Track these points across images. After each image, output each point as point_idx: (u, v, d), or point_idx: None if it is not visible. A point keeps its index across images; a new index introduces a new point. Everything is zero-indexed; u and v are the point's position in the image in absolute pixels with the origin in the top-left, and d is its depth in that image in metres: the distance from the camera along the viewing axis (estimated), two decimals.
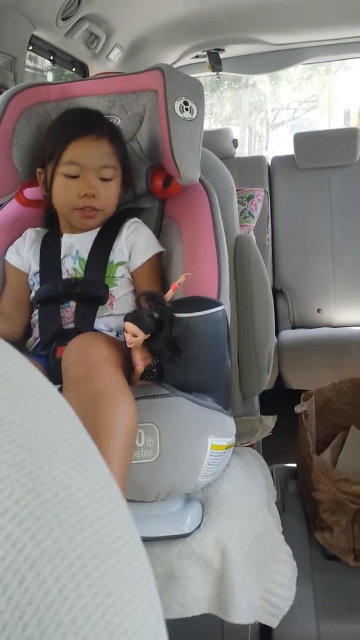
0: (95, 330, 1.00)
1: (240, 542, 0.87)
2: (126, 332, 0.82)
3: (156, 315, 0.81)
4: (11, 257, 1.12)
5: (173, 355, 0.82)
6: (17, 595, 0.20)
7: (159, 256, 1.09)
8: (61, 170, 1.03)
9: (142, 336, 0.81)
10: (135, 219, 1.10)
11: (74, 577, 0.21)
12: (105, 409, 0.75)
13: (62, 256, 1.07)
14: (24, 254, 1.10)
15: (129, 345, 0.83)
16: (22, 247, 1.11)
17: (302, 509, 1.16)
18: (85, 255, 1.05)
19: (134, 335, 0.81)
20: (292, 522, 1.10)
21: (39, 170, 1.08)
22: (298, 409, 1.19)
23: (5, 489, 0.21)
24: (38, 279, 1.07)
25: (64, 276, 1.05)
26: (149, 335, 0.81)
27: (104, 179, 1.04)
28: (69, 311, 1.02)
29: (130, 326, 0.81)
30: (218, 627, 0.90)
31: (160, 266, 1.09)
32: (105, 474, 0.25)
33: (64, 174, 1.03)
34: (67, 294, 1.02)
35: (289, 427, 1.23)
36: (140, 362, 0.85)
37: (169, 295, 0.85)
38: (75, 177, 1.03)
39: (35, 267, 1.09)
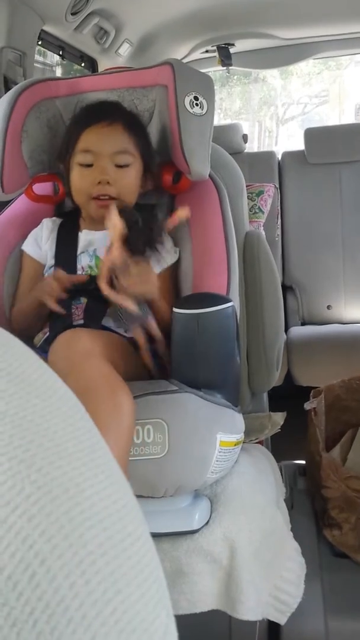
0: (103, 327, 1.00)
1: (248, 538, 0.87)
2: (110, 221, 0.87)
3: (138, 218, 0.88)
4: (29, 247, 1.10)
5: (149, 250, 0.88)
6: (27, 591, 0.20)
7: (176, 264, 1.07)
8: (76, 160, 1.03)
9: (119, 225, 0.86)
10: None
11: (85, 574, 0.21)
12: (96, 405, 0.73)
13: (78, 252, 1.06)
14: (43, 245, 1.10)
15: (110, 232, 0.88)
16: (41, 237, 1.10)
17: (311, 506, 1.16)
18: (102, 254, 1.05)
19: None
20: (300, 519, 1.10)
21: (61, 165, 1.08)
22: (307, 405, 1.18)
23: (15, 485, 0.21)
24: (52, 272, 1.06)
25: (79, 272, 1.05)
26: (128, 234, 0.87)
27: (119, 166, 1.02)
28: (79, 308, 1.02)
29: (114, 216, 0.87)
30: (226, 624, 0.90)
31: (173, 273, 1.07)
32: (115, 470, 0.25)
33: (79, 164, 1.03)
34: (80, 291, 1.02)
35: (298, 424, 1.23)
36: (117, 247, 0.87)
37: (169, 226, 0.91)
38: (89, 165, 1.02)
39: (51, 260, 1.08)
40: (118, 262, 0.87)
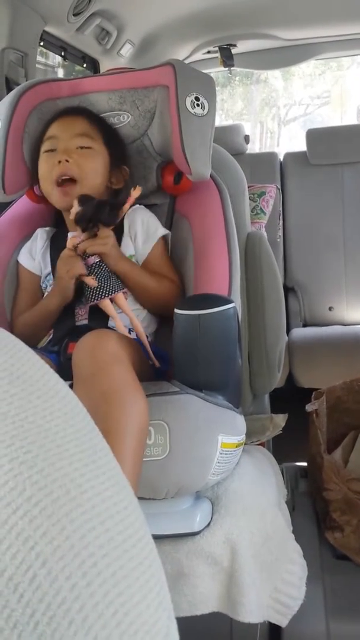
0: (108, 328, 1.00)
1: (250, 540, 0.87)
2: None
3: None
4: (24, 259, 1.12)
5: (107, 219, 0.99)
6: (28, 593, 0.20)
7: (165, 241, 1.08)
8: (43, 149, 1.06)
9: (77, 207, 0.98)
10: (135, 206, 1.07)
11: (86, 575, 0.21)
12: (117, 408, 0.75)
13: None
14: (37, 257, 1.10)
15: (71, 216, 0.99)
16: (34, 249, 1.11)
17: (313, 508, 1.15)
18: None
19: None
20: (302, 521, 1.10)
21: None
22: (309, 407, 1.18)
23: (17, 486, 0.21)
24: (50, 281, 1.06)
25: None
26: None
27: (81, 148, 1.03)
28: (82, 308, 1.02)
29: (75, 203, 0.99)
30: (227, 626, 0.90)
31: (168, 248, 1.09)
32: (117, 471, 0.25)
33: (44, 151, 1.05)
34: (81, 291, 1.02)
35: (300, 426, 1.23)
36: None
37: (131, 199, 1.02)
38: (53, 150, 1.04)
39: (46, 269, 1.08)
40: (80, 238, 0.99)
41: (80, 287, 1.01)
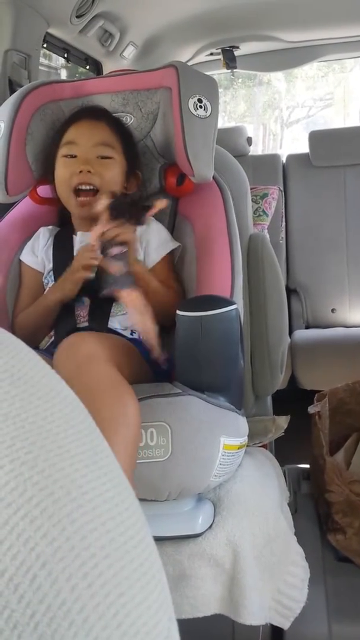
0: (110, 330, 1.00)
1: (252, 542, 0.87)
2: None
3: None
4: (26, 257, 1.12)
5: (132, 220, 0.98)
6: (28, 594, 0.20)
7: (173, 253, 1.09)
8: (61, 153, 1.05)
9: (105, 202, 0.96)
10: (150, 217, 1.09)
11: (86, 577, 0.21)
12: (101, 405, 0.74)
13: (75, 254, 1.07)
14: (39, 253, 1.11)
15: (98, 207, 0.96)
16: (37, 246, 1.11)
17: (315, 510, 1.15)
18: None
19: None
20: (304, 523, 1.10)
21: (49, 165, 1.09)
22: (311, 409, 1.18)
23: (17, 487, 0.21)
24: (52, 277, 1.07)
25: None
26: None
27: (102, 158, 1.04)
28: (83, 310, 1.02)
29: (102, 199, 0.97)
30: (229, 628, 0.90)
31: (175, 261, 1.09)
32: (118, 472, 0.25)
33: (63, 155, 1.05)
34: (82, 291, 1.02)
35: (302, 428, 1.22)
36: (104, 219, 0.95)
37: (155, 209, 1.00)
38: (73, 156, 1.04)
39: (48, 265, 1.09)
40: (105, 229, 0.97)
41: (84, 286, 1.01)
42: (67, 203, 1.07)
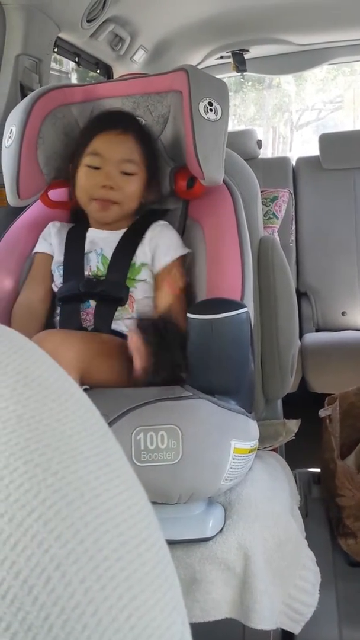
0: (113, 332, 1.00)
1: (263, 547, 0.87)
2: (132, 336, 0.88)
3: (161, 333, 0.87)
4: (39, 247, 1.13)
5: (171, 374, 0.86)
6: (42, 596, 0.20)
7: (183, 259, 1.09)
8: (85, 162, 1.06)
9: (138, 341, 0.87)
10: (163, 222, 1.09)
11: (100, 579, 0.21)
12: None
13: (86, 251, 1.07)
14: (52, 240, 1.12)
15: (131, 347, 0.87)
16: (49, 235, 1.12)
17: (326, 515, 1.14)
18: (109, 254, 1.06)
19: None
20: (315, 527, 1.09)
21: (70, 165, 1.09)
22: (322, 413, 1.17)
23: (32, 489, 0.21)
24: (61, 271, 1.07)
25: (86, 273, 1.05)
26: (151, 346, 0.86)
27: (125, 173, 1.04)
28: (89, 312, 1.02)
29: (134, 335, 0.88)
30: (239, 632, 0.89)
31: (184, 268, 1.09)
32: (131, 475, 0.25)
33: (87, 165, 1.05)
34: (88, 293, 1.02)
35: (313, 431, 1.22)
36: (138, 361, 0.86)
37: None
38: (97, 168, 1.04)
39: (59, 256, 1.09)
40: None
41: (89, 291, 1.02)
42: (87, 206, 1.08)
